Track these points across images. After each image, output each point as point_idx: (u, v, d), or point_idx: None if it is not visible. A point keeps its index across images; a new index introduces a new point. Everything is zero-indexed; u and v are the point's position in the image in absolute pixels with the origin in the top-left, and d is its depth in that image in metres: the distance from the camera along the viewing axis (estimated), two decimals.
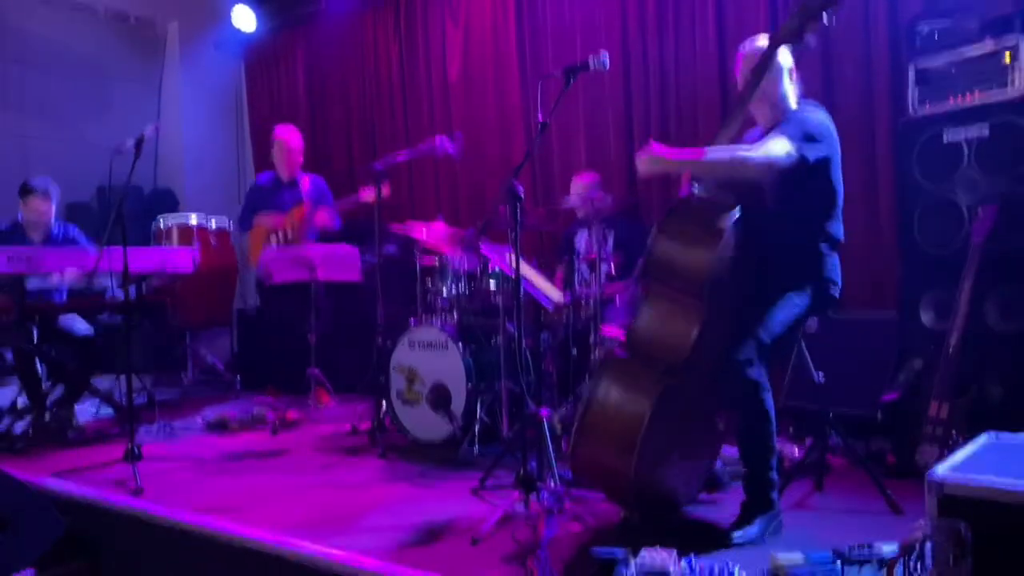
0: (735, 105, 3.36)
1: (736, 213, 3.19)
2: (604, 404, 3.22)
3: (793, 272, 3.30)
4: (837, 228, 3.36)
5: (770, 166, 3.14)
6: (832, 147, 3.31)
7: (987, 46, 4.09)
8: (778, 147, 3.15)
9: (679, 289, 3.21)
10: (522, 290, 3.70)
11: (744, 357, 3.14)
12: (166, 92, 8.88)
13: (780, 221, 3.27)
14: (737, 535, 3.06)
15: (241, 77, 9.24)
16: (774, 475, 3.20)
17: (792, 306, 3.26)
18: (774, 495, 3.20)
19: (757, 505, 3.17)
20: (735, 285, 3.25)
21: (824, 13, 3.16)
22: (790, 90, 3.42)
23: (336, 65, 8.26)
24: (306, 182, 6.29)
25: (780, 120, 3.35)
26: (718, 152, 3.17)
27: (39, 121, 7.86)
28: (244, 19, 8.32)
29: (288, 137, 6.33)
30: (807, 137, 3.21)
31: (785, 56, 3.39)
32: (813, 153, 3.21)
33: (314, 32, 8.40)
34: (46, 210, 5.73)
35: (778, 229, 3.28)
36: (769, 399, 3.16)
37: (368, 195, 5.55)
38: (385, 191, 5.32)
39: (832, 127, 3.34)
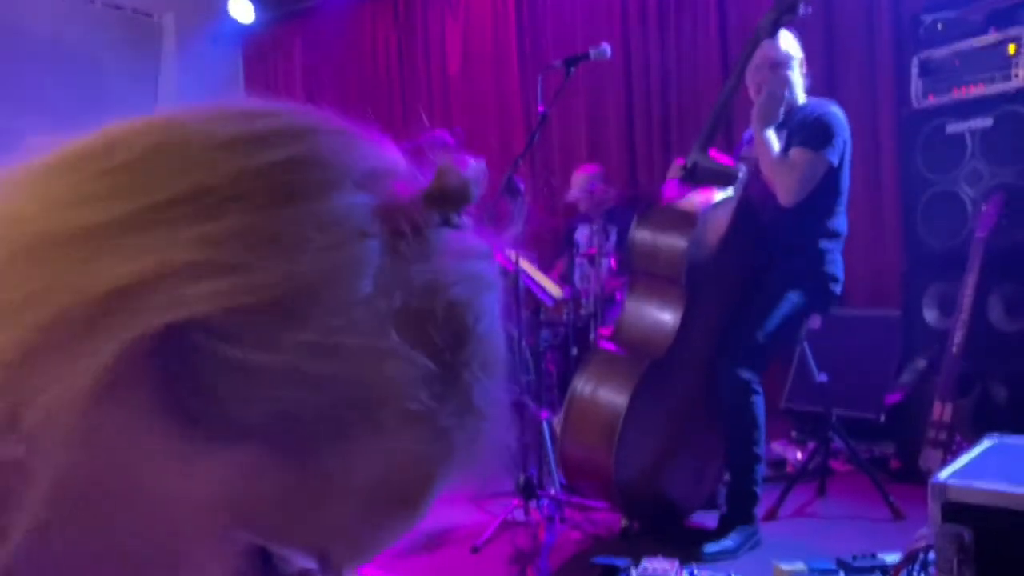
0: (720, 102, 3.33)
1: (721, 200, 3.18)
2: (586, 398, 3.21)
3: (793, 268, 3.27)
4: (840, 223, 3.32)
5: (802, 187, 3.16)
6: (847, 147, 3.29)
7: (991, 37, 4.03)
8: (804, 176, 3.17)
9: (660, 276, 3.21)
10: (521, 286, 3.66)
11: (735, 354, 3.11)
12: (162, 85, 8.83)
13: (781, 215, 3.24)
14: (709, 547, 2.99)
15: (239, 69, 9.19)
16: (757, 488, 3.15)
17: (789, 303, 3.22)
18: (755, 510, 3.15)
19: (734, 518, 3.11)
20: (727, 276, 3.24)
21: (800, 5, 3.14)
22: (797, 83, 3.37)
23: (335, 58, 8.21)
24: None
25: (789, 115, 3.31)
26: (776, 157, 3.21)
27: (32, 115, 7.79)
28: (241, 11, 8.25)
29: None
30: (829, 142, 3.19)
31: (792, 47, 3.34)
32: (836, 158, 3.21)
33: (312, 24, 8.34)
34: None
35: (779, 223, 3.25)
36: (759, 403, 3.12)
37: None
38: None
39: (847, 125, 3.31)
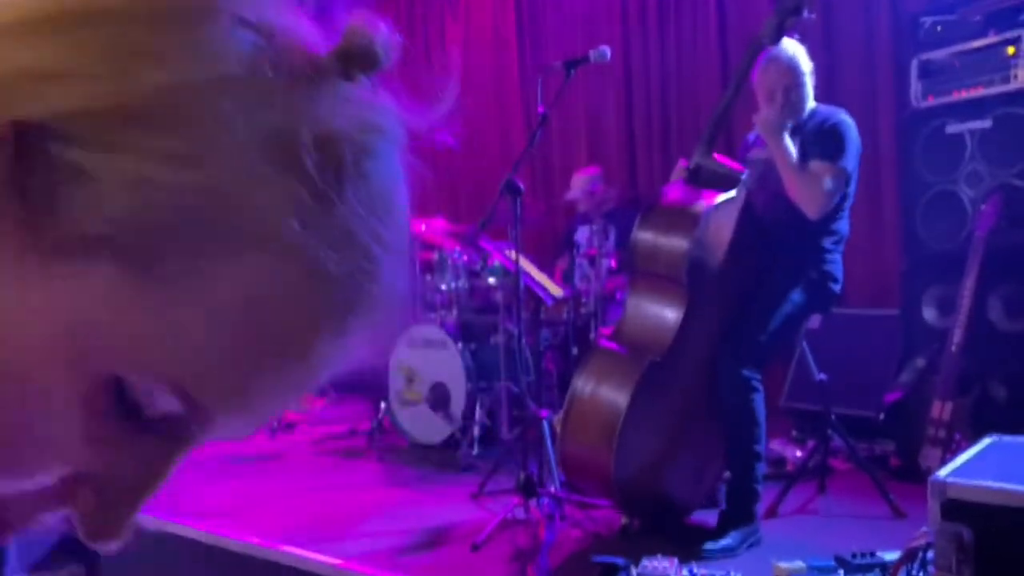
0: (722, 105, 3.34)
1: (723, 200, 3.19)
2: (586, 396, 3.21)
3: (795, 268, 3.29)
4: (843, 225, 3.36)
5: (828, 200, 3.21)
6: (859, 156, 3.33)
7: (990, 39, 4.04)
8: (830, 183, 3.21)
9: (662, 276, 3.22)
10: (522, 286, 3.67)
11: (736, 352, 3.12)
12: None
13: (786, 215, 3.26)
14: (709, 546, 2.99)
15: None
16: (758, 486, 3.15)
17: (791, 303, 3.24)
18: (755, 508, 3.15)
19: (735, 516, 3.12)
20: (729, 276, 3.25)
21: (803, 10, 3.15)
22: (809, 93, 3.40)
23: None
24: None
25: (798, 123, 3.34)
26: (796, 167, 3.23)
27: None
28: None
29: None
30: (845, 152, 3.24)
31: (804, 60, 3.35)
32: (852, 165, 3.26)
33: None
34: None
35: (783, 223, 3.27)
36: (759, 402, 3.13)
37: None
38: None
39: (857, 132, 3.35)
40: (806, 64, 3.37)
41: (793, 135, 3.37)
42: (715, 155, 3.35)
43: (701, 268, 3.16)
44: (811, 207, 3.20)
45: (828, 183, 3.20)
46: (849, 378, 4.09)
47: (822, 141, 3.27)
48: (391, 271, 0.42)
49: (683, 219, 3.18)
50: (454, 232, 5.08)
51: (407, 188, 0.44)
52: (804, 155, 3.28)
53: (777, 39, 3.25)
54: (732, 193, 3.23)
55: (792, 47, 3.34)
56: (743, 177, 3.30)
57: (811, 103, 3.43)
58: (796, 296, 3.25)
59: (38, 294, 0.36)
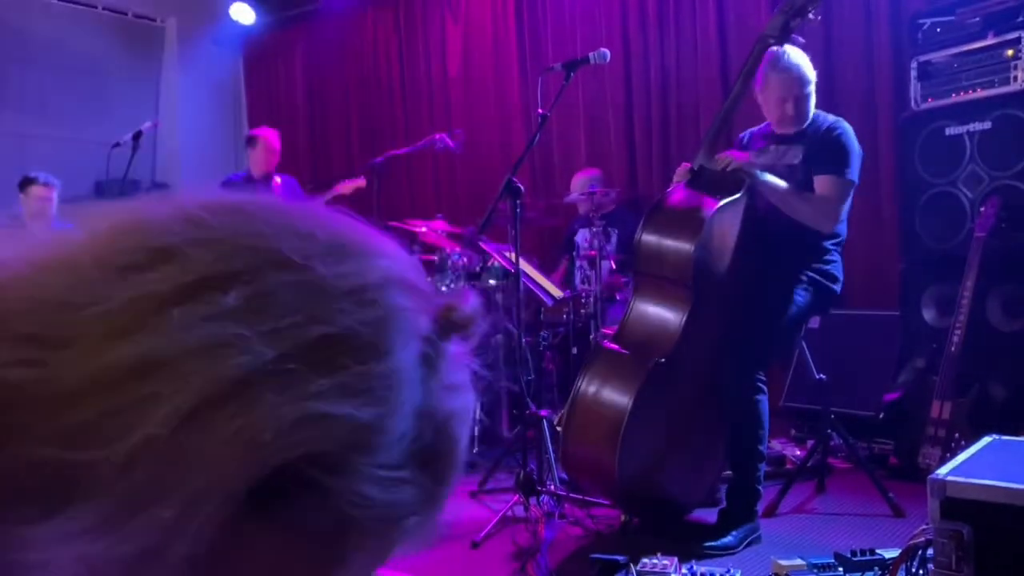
0: (725, 107, 3.36)
1: (727, 203, 3.19)
2: (589, 397, 3.21)
3: (795, 269, 3.30)
4: (842, 227, 3.38)
5: (839, 213, 3.27)
6: (861, 163, 3.36)
7: (989, 41, 4.05)
8: (839, 202, 3.27)
9: (666, 278, 3.22)
10: (522, 286, 3.67)
11: (740, 353, 3.13)
12: (164, 88, 8.84)
13: (787, 217, 3.28)
14: (709, 544, 3.01)
15: (240, 73, 9.20)
16: (759, 485, 3.16)
17: (792, 304, 3.26)
18: (756, 506, 3.17)
19: (736, 515, 3.13)
20: (731, 278, 3.25)
21: (809, 10, 3.16)
22: (812, 100, 3.42)
23: (335, 61, 8.22)
24: (277, 181, 6.28)
25: (802, 128, 3.37)
26: (794, 197, 3.27)
27: (36, 119, 7.81)
28: (243, 14, 8.25)
29: (270, 137, 6.33)
30: (850, 162, 3.28)
31: (810, 69, 3.36)
32: (857, 175, 3.30)
33: (313, 27, 8.35)
34: (49, 197, 5.70)
35: (784, 225, 3.28)
36: (764, 402, 3.14)
37: (342, 188, 5.69)
38: (360, 182, 5.60)
39: (857, 141, 3.38)
40: (812, 75, 3.39)
41: (796, 141, 3.39)
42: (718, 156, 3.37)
43: (706, 271, 3.16)
44: (824, 224, 3.26)
45: (835, 198, 3.24)
46: (849, 378, 4.10)
47: (828, 153, 3.29)
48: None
49: (689, 222, 3.18)
50: (454, 233, 5.08)
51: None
52: (809, 165, 3.31)
53: (783, 39, 3.26)
54: (736, 196, 3.24)
55: (799, 57, 3.35)
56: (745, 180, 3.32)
57: (812, 109, 3.46)
58: (798, 297, 3.27)
59: None
